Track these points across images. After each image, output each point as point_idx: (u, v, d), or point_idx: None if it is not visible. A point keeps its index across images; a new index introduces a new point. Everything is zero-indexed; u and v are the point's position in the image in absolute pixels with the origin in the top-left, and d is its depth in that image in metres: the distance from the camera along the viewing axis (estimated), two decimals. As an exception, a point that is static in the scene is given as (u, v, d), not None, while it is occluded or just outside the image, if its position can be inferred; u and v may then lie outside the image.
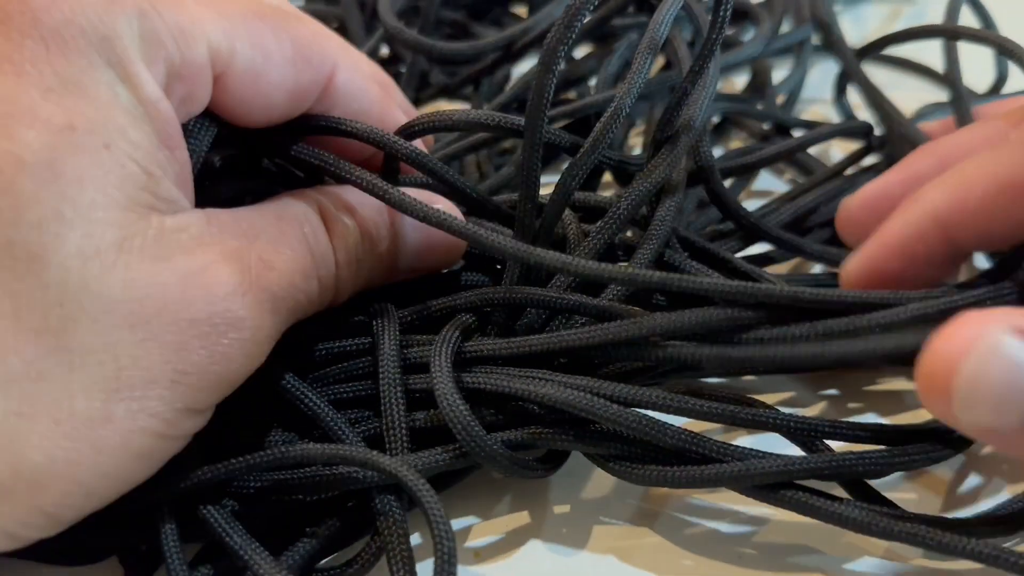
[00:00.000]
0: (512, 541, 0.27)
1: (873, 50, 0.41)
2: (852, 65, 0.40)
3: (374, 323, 0.28)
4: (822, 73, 0.44)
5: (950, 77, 0.38)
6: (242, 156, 0.29)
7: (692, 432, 0.25)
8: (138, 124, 0.23)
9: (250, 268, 0.24)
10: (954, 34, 0.38)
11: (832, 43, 0.42)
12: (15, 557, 0.26)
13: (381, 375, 0.27)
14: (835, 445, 0.26)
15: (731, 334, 0.24)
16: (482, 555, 0.27)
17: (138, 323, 0.22)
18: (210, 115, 0.26)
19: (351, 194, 0.28)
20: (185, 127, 0.25)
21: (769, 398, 0.30)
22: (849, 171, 0.37)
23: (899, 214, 0.28)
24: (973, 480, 0.28)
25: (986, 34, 0.37)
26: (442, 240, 0.29)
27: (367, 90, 0.29)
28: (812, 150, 0.39)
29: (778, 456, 0.25)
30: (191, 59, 0.24)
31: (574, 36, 0.26)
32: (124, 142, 0.22)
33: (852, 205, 0.32)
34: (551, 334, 0.26)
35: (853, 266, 0.28)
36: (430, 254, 0.29)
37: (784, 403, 0.31)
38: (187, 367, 0.23)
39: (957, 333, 0.22)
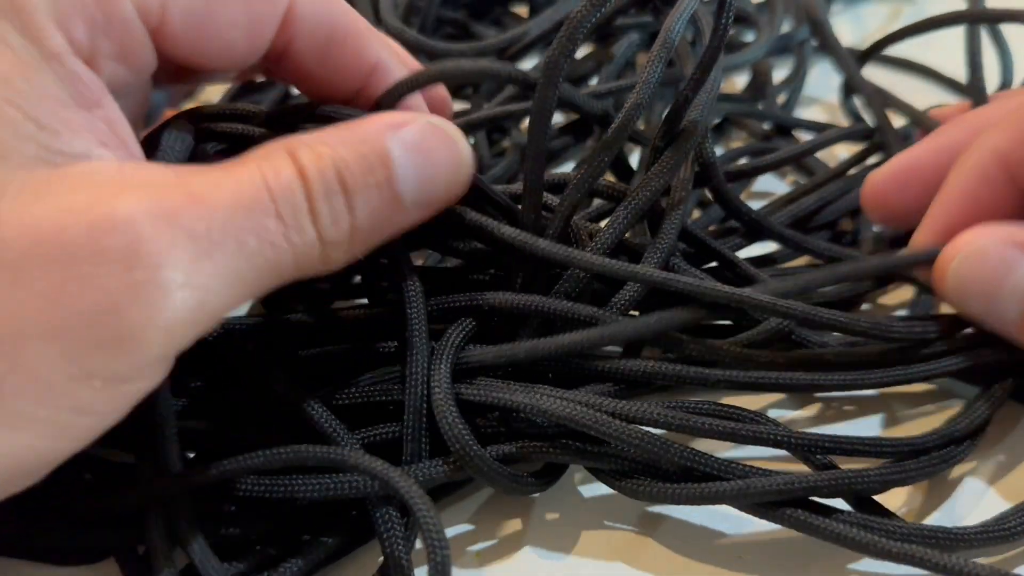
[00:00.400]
0: (513, 546, 0.27)
1: (878, 49, 0.41)
2: (852, 71, 0.40)
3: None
4: (822, 73, 0.44)
5: (971, 62, 0.38)
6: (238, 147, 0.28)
7: (695, 450, 0.25)
8: (30, 73, 0.21)
9: (170, 198, 0.21)
10: (966, 19, 0.38)
11: (828, 46, 0.42)
12: (15, 557, 0.26)
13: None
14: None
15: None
16: (483, 559, 0.27)
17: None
18: (185, 115, 0.26)
19: (326, 133, 0.25)
20: (161, 138, 0.25)
21: (767, 399, 0.30)
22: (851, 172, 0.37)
23: (957, 166, 0.28)
24: (975, 486, 0.28)
25: (1005, 12, 0.37)
26: (443, 158, 0.25)
27: (335, 16, 0.27)
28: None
29: (779, 475, 0.25)
30: (115, 15, 0.23)
31: (576, 48, 0.26)
32: (5, 88, 0.21)
33: (879, 178, 0.31)
34: (538, 340, 0.26)
35: (920, 235, 0.29)
36: (432, 180, 0.25)
37: (780, 404, 0.31)
38: (68, 316, 0.19)
39: (958, 239, 0.27)
